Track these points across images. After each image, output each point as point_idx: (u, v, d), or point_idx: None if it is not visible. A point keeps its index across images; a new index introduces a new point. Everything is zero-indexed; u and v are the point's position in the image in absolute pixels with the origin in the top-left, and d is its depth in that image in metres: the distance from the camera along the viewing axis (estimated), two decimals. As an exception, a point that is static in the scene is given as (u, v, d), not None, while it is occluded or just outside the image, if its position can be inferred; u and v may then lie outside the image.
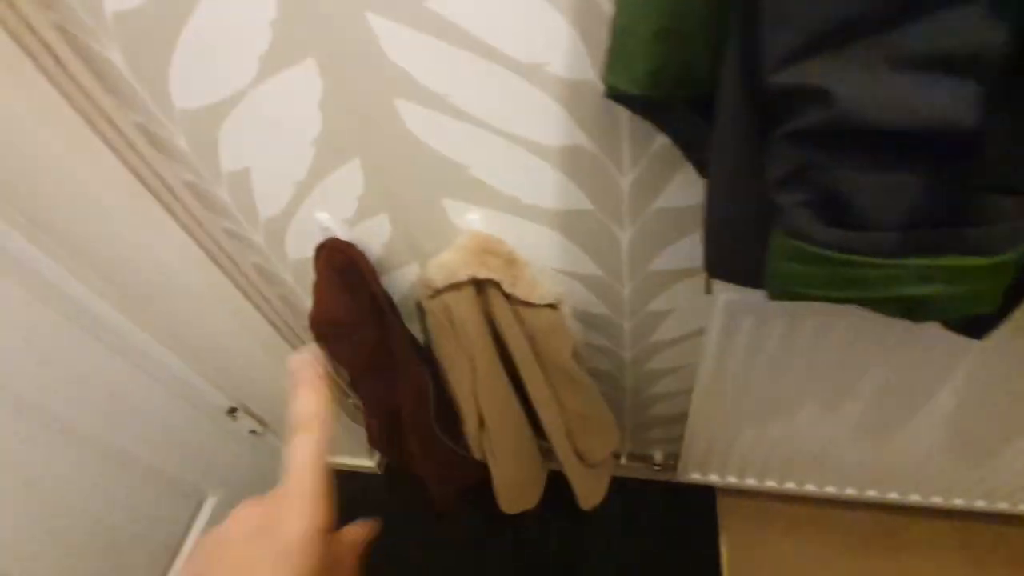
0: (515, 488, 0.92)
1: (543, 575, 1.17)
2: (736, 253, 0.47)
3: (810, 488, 1.00)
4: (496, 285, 0.70)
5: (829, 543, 1.13)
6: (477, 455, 0.92)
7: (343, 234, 0.75)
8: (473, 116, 0.56)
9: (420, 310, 0.87)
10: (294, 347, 1.01)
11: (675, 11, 0.38)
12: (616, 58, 0.44)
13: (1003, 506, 0.93)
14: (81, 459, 0.85)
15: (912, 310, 0.35)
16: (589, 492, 0.94)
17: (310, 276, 0.85)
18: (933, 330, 0.61)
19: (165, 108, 0.62)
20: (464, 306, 0.71)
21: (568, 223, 0.66)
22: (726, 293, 0.62)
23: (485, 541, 1.22)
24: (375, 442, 0.99)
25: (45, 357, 0.78)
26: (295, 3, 0.50)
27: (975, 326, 0.45)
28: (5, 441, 0.74)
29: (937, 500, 0.95)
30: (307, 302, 0.92)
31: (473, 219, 0.68)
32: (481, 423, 0.86)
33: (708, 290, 0.65)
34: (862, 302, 0.36)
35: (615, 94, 0.46)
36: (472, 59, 0.51)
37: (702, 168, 0.52)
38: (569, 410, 0.84)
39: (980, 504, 0.94)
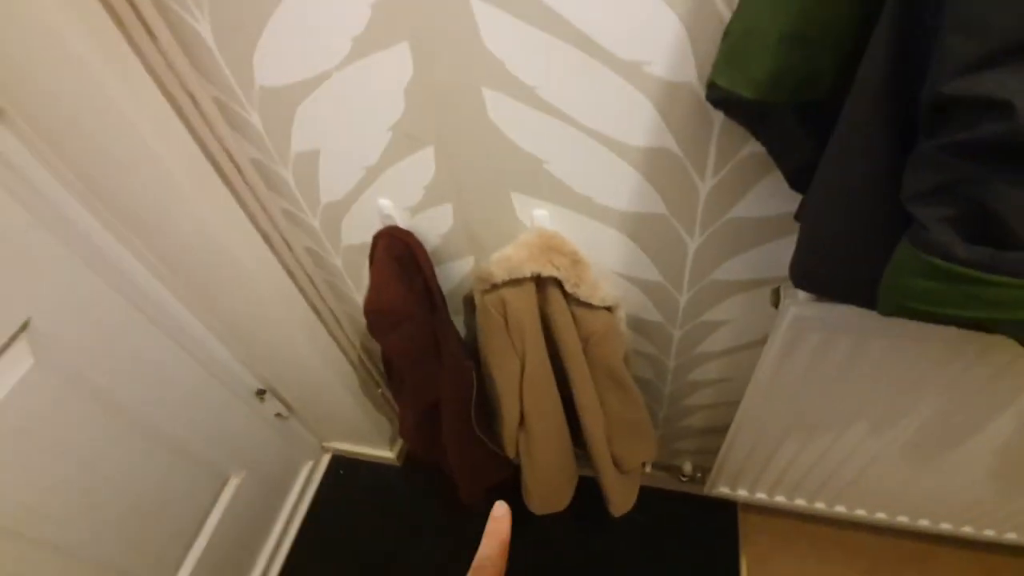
0: (548, 489, 0.91)
1: (561, 579, 1.17)
2: (834, 266, 0.46)
3: (840, 510, 0.99)
4: (557, 284, 0.70)
5: (852, 566, 1.12)
6: (511, 453, 0.91)
7: (403, 222, 0.75)
8: (560, 111, 0.56)
9: (469, 304, 0.87)
10: (332, 333, 1.00)
11: (806, 16, 0.38)
12: (732, 60, 0.43)
13: (1038, 541, 0.92)
14: (116, 429, 0.84)
15: (1038, 334, 0.35)
16: (621, 499, 0.93)
17: (360, 263, 0.85)
18: (1002, 360, 0.61)
19: (245, 85, 0.62)
20: (522, 302, 0.71)
21: (638, 226, 0.66)
22: (796, 307, 0.61)
23: (504, 541, 1.21)
24: (407, 432, 0.98)
25: (86, 321, 0.78)
26: (399, -15, 0.50)
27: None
28: (43, 408, 0.73)
29: (968, 530, 0.95)
30: (352, 290, 0.92)
31: (541, 215, 0.68)
32: (521, 422, 0.85)
33: (775, 303, 0.65)
34: (987, 322, 0.35)
35: (723, 97, 0.46)
36: (571, 52, 0.51)
37: (794, 178, 0.52)
38: (612, 414, 0.83)
39: (1010, 536, 0.93)
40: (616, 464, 0.89)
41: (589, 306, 0.72)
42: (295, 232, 0.82)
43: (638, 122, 0.55)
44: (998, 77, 0.26)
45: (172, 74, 0.60)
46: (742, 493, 1.04)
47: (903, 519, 0.97)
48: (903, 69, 0.34)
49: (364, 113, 0.62)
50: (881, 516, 0.98)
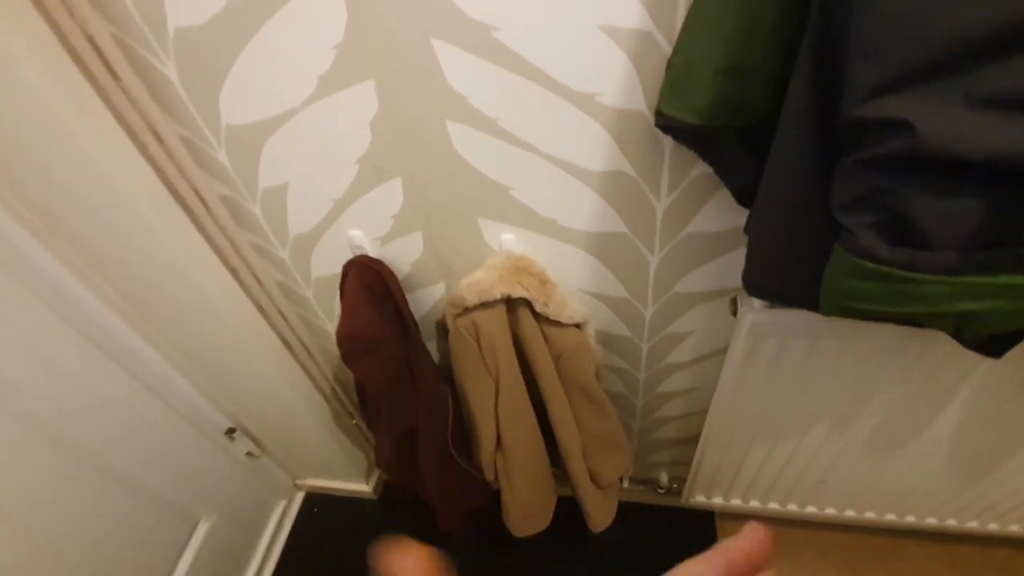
0: (528, 510, 0.92)
1: (546, 602, 1.16)
2: (781, 273, 0.50)
3: (811, 510, 1.03)
4: (527, 304, 0.72)
5: (825, 565, 1.15)
6: (489, 476, 0.91)
7: (374, 251, 0.76)
8: (521, 140, 0.59)
9: (442, 329, 0.88)
10: (304, 366, 1.00)
11: (739, 50, 0.42)
12: (675, 90, 0.47)
13: (993, 527, 0.97)
14: (77, 474, 0.81)
15: (961, 325, 0.39)
16: (600, 514, 0.94)
17: (331, 295, 0.86)
18: (942, 352, 0.66)
19: (212, 124, 0.63)
20: (493, 324, 0.73)
21: (601, 245, 0.69)
22: (752, 314, 0.65)
23: (485, 565, 1.20)
24: (384, 461, 0.98)
25: (44, 363, 0.75)
26: (362, 28, 0.53)
27: (997, 345, 0.48)
28: None
29: (931, 521, 0.99)
30: (324, 321, 0.92)
31: (509, 239, 0.70)
32: (498, 444, 0.86)
33: (734, 311, 0.68)
34: (916, 317, 0.39)
35: (669, 123, 0.50)
36: (528, 86, 0.54)
37: (741, 195, 0.56)
38: (587, 430, 0.85)
39: (972, 525, 0.98)
40: (593, 480, 0.91)
41: (559, 324, 0.74)
42: (265, 266, 0.82)
43: (595, 148, 0.58)
44: (899, 100, 0.30)
45: (137, 114, 0.60)
46: (717, 501, 1.06)
47: (870, 515, 1.01)
48: (824, 94, 0.38)
49: (331, 148, 0.64)
50: (850, 514, 1.02)
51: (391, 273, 0.76)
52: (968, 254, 0.34)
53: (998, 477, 0.83)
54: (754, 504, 1.05)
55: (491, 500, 0.99)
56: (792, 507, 1.03)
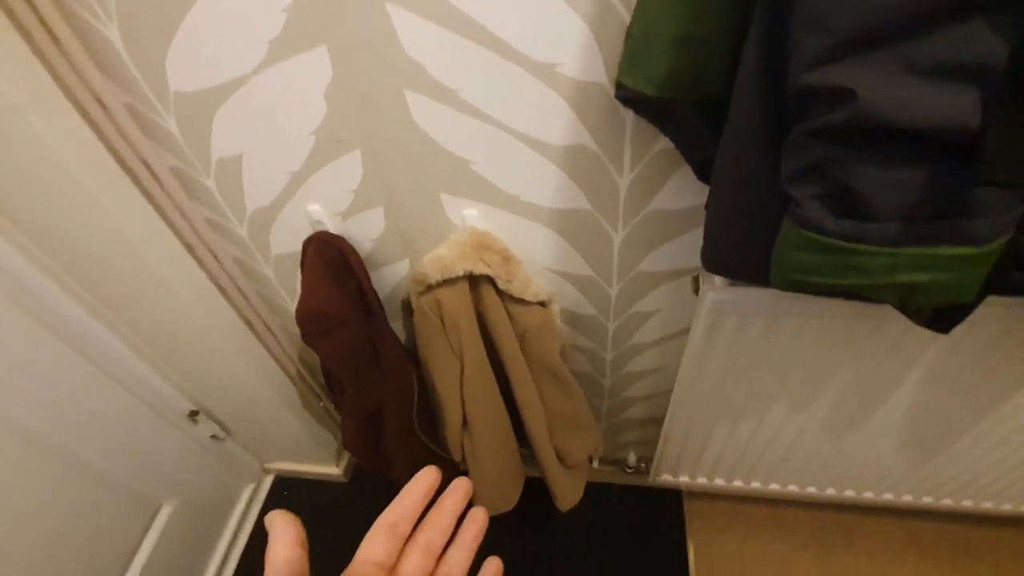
0: (496, 489, 0.92)
1: (515, 581, 1.17)
2: (736, 248, 0.50)
3: (774, 487, 1.05)
4: (490, 282, 0.71)
5: (789, 542, 1.18)
6: (455, 456, 0.91)
7: (334, 227, 0.74)
8: (482, 112, 0.58)
9: (407, 307, 0.87)
10: (267, 347, 0.98)
11: (694, 18, 0.41)
12: (633, 61, 0.46)
13: (947, 502, 1.00)
14: (30, 460, 0.79)
15: (904, 297, 0.39)
16: (567, 493, 0.95)
17: (292, 273, 0.84)
18: (897, 330, 0.67)
19: (159, 90, 0.60)
20: (456, 302, 0.72)
21: (564, 222, 0.68)
22: (713, 292, 0.65)
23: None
24: (349, 442, 0.97)
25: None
26: (313, -11, 0.50)
27: (943, 320, 0.49)
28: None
29: (888, 497, 1.02)
30: (286, 300, 0.90)
31: (471, 215, 0.69)
32: (464, 423, 0.86)
33: (696, 290, 0.69)
34: (861, 289, 0.39)
35: (628, 95, 0.49)
36: (487, 56, 0.53)
37: (701, 170, 0.56)
38: (552, 410, 0.85)
39: (927, 500, 1.01)
40: (560, 459, 0.91)
41: (523, 302, 0.73)
42: (221, 243, 0.80)
43: (556, 121, 0.57)
44: (842, 69, 0.30)
45: (79, 80, 0.57)
46: (684, 479, 1.08)
47: (831, 491, 1.03)
48: (772, 65, 0.37)
49: (286, 117, 0.62)
50: (812, 491, 1.04)
51: (352, 249, 0.75)
52: (910, 225, 0.34)
53: (951, 454, 0.86)
54: (719, 482, 1.06)
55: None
56: (756, 484, 1.05)
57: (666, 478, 1.08)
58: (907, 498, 1.02)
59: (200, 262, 0.80)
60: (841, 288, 0.39)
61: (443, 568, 0.30)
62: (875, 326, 0.66)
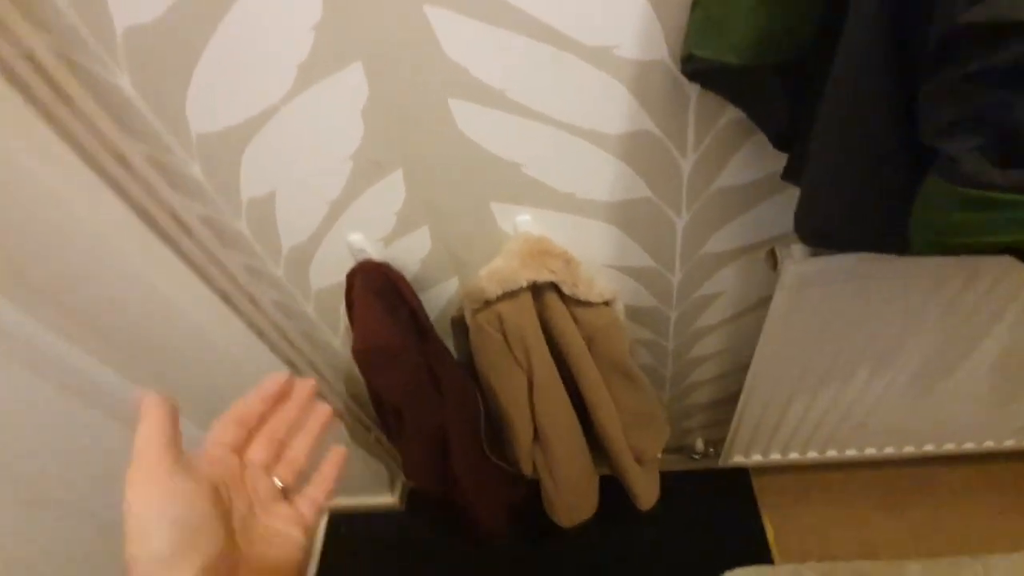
0: (574, 499, 0.88)
1: (595, 585, 1.14)
2: (845, 217, 0.46)
3: (850, 453, 1.02)
4: (554, 288, 0.67)
5: (865, 503, 1.16)
6: (527, 471, 0.88)
7: (378, 254, 0.70)
8: (533, 110, 0.53)
9: (457, 325, 0.83)
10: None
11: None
12: (709, 28, 0.42)
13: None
14: (76, 530, 0.75)
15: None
16: (647, 492, 0.91)
17: (334, 307, 0.79)
18: (988, 280, 0.63)
19: (181, 135, 0.56)
20: (520, 315, 0.68)
21: (624, 215, 0.64)
22: (795, 265, 0.61)
23: (534, 559, 1.17)
24: (413, 470, 0.93)
25: (41, 430, 0.68)
26: (343, 2, 0.46)
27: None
28: None
29: (969, 446, 0.99)
30: (329, 335, 0.86)
31: (524, 221, 0.65)
32: (535, 437, 0.82)
33: (773, 265, 0.65)
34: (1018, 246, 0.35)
35: (701, 67, 0.45)
36: (537, 48, 0.48)
37: (779, 139, 0.51)
38: (625, 408, 0.81)
39: (1008, 443, 0.98)
40: (636, 457, 0.87)
41: (588, 304, 0.69)
42: (259, 286, 0.75)
43: (614, 108, 0.53)
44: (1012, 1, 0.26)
45: (96, 139, 0.53)
46: (756, 458, 1.05)
47: (909, 449, 1.00)
48: (896, 11, 0.33)
49: (321, 145, 0.57)
50: (889, 451, 1.01)
51: (399, 275, 0.71)
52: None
53: (1040, 394, 0.82)
54: (793, 456, 1.03)
55: (529, 494, 0.96)
56: (831, 453, 1.02)
57: (738, 459, 1.05)
58: (988, 443, 0.98)
59: (238, 311, 0.75)
60: (997, 246, 0.36)
61: (287, 453, 0.34)
62: (967, 279, 0.62)
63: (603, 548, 1.18)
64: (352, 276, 0.70)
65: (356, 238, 0.68)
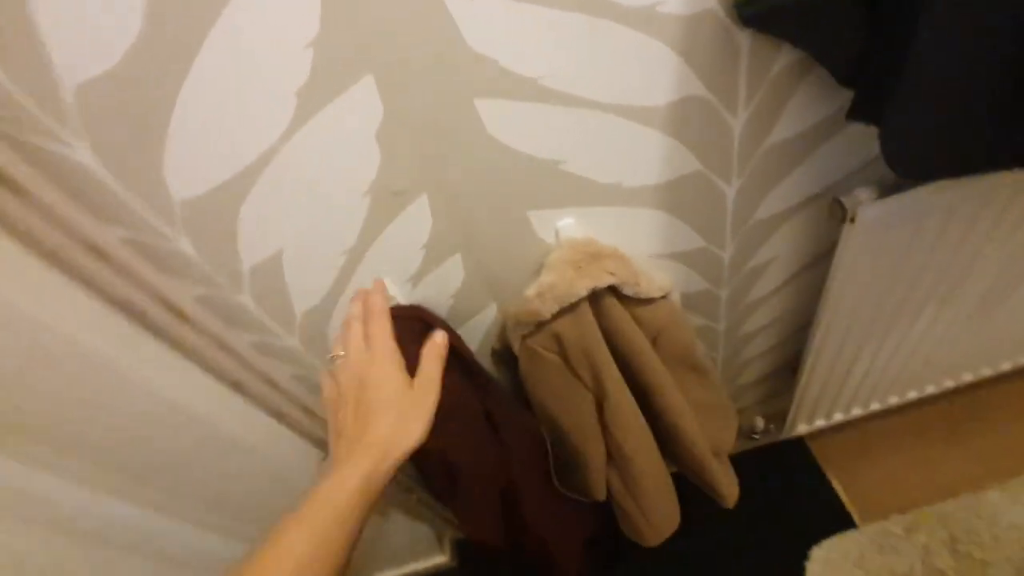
0: (662, 514, 0.81)
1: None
2: (956, 140, 0.41)
3: (911, 396, 0.98)
4: (613, 292, 0.60)
5: (927, 442, 1.13)
6: (600, 497, 0.79)
7: (406, 298, 0.62)
8: (570, 95, 0.47)
9: (501, 357, 0.75)
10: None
11: None
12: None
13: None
14: None
15: None
16: (731, 487, 0.84)
17: (362, 365, 0.70)
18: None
19: (161, 206, 0.46)
20: (581, 329, 0.60)
21: (672, 196, 0.58)
22: (866, 210, 0.56)
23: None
24: (479, 528, 0.83)
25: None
26: (345, 7, 0.38)
27: None
28: None
29: (1022, 360, 0.97)
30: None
31: (567, 225, 0.58)
32: (609, 456, 0.74)
33: (840, 215, 0.60)
34: None
35: (764, 9, 0.39)
36: (570, 20, 0.42)
37: (847, 70, 0.46)
38: (696, 404, 0.74)
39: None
40: (715, 454, 0.81)
41: (648, 301, 0.63)
42: (273, 364, 0.65)
43: (660, 76, 0.47)
44: None
45: (58, 229, 0.43)
46: (819, 423, 1.00)
47: (968, 376, 0.98)
48: None
49: (330, 183, 0.49)
50: (948, 383, 0.98)
51: (435, 316, 0.62)
52: None
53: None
54: (856, 412, 0.99)
55: (604, 523, 0.88)
56: (893, 400, 0.98)
57: (801, 428, 1.00)
58: (1040, 354, 0.97)
59: (252, 396, 0.65)
60: None
61: None
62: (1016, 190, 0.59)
63: (684, 554, 1.10)
64: (382, 328, 0.61)
65: (380, 284, 0.59)
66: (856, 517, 1.07)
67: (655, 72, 0.47)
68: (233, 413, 0.64)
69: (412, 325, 0.61)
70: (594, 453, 0.72)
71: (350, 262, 0.56)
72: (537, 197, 0.55)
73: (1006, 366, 0.97)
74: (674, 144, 0.53)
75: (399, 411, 0.47)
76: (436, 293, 0.63)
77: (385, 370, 0.48)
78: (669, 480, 0.82)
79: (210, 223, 0.49)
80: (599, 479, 0.76)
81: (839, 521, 1.07)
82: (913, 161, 0.44)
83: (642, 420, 0.71)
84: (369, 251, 0.56)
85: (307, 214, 0.50)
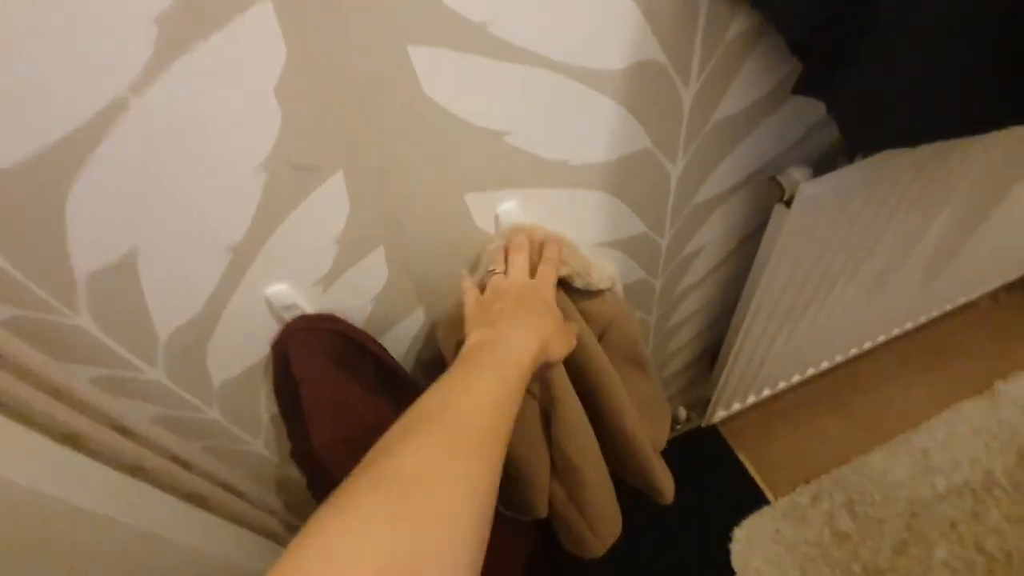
0: (608, 521, 0.76)
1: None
2: (921, 105, 0.40)
3: (810, 372, 1.04)
4: (561, 285, 0.53)
5: (817, 413, 1.22)
6: (543, 513, 0.73)
7: (313, 305, 0.50)
8: (522, 48, 0.39)
9: (432, 368, 0.65)
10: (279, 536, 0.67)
11: None
12: None
13: (934, 313, 1.09)
14: None
15: None
16: (668, 482, 0.82)
17: (249, 398, 0.56)
18: (949, 167, 0.65)
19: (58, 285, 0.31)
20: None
21: (619, 176, 0.53)
22: (807, 187, 0.56)
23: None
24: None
25: None
26: None
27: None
28: None
29: (896, 331, 1.08)
30: (248, 440, 0.61)
31: (507, 210, 0.50)
32: (552, 467, 0.68)
33: (780, 196, 0.59)
34: None
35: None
36: (529, -48, 0.34)
37: (802, 42, 0.44)
38: (638, 401, 0.70)
39: (923, 319, 1.08)
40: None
41: (596, 293, 0.57)
42: (132, 404, 0.49)
43: (618, 33, 0.41)
44: None
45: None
46: (736, 407, 1.02)
47: (853, 351, 1.06)
48: None
49: (209, 154, 0.36)
50: (838, 358, 1.06)
51: (350, 325, 0.51)
52: None
53: (959, 258, 0.90)
54: (766, 393, 1.03)
55: (539, 542, 0.82)
56: (796, 378, 1.03)
57: (720, 414, 1.02)
58: (908, 325, 1.08)
59: (97, 455, 0.49)
60: None
61: None
62: (933, 173, 0.63)
63: (611, 552, 1.07)
64: (284, 346, 0.49)
65: (279, 290, 0.47)
66: (768, 493, 1.12)
67: (613, 28, 0.41)
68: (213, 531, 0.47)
69: (324, 339, 0.49)
70: (537, 466, 0.65)
71: (237, 262, 0.43)
72: (476, 176, 0.46)
73: (882, 338, 1.07)
74: (626, 116, 0.48)
75: (558, 321, 0.46)
76: (353, 297, 0.51)
77: (549, 293, 0.48)
78: (611, 485, 0.77)
79: (25, 211, 0.34)
80: (542, 494, 0.69)
81: (754, 499, 1.12)
82: (868, 129, 0.43)
83: (589, 428, 0.65)
84: (264, 247, 0.43)
85: (173, 198, 0.37)
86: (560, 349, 0.45)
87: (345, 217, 0.44)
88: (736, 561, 1.04)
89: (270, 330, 0.49)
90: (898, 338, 1.15)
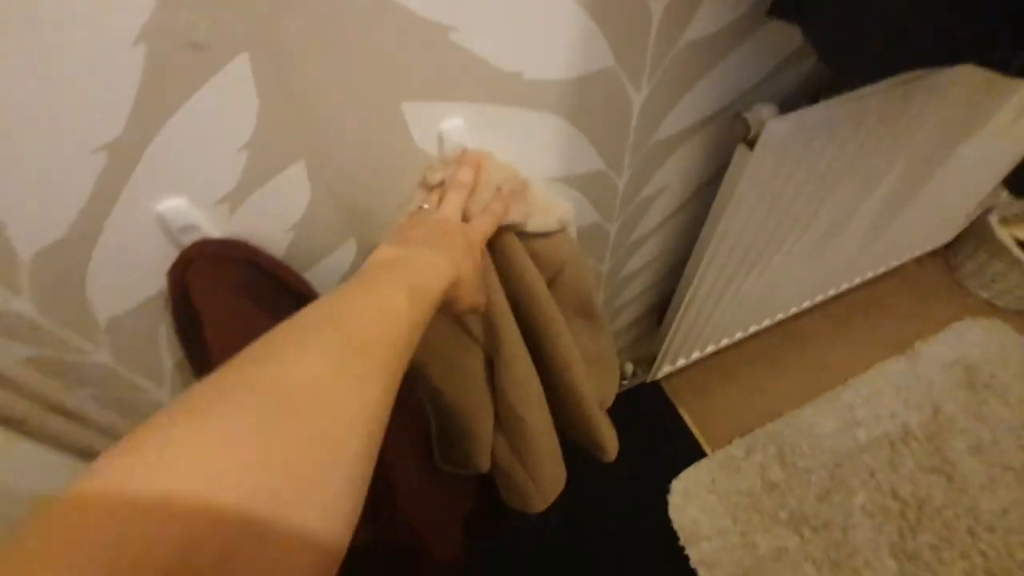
0: (551, 475, 0.73)
1: (557, 554, 1.03)
2: (897, 31, 0.36)
3: (752, 329, 1.06)
4: (512, 225, 0.48)
5: (755, 370, 1.25)
6: (485, 468, 0.70)
7: (220, 228, 0.42)
8: (473, -84, 0.32)
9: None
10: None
11: None
12: None
13: (869, 275, 1.12)
14: None
15: None
16: (612, 440, 0.80)
17: (146, 337, 0.49)
18: (901, 118, 0.63)
19: None
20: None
21: (579, 99, 0.48)
22: (775, 123, 0.52)
23: (517, 557, 1.01)
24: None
25: None
26: None
27: None
28: None
29: (832, 291, 1.10)
30: (148, 386, 0.54)
31: (453, 128, 0.44)
32: (496, 419, 0.64)
33: (744, 134, 0.55)
34: None
35: None
36: None
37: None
38: (587, 355, 0.67)
39: (857, 280, 1.11)
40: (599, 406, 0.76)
41: (547, 235, 0.52)
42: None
43: (588, -89, 0.35)
44: None
45: None
46: (681, 362, 1.02)
47: (794, 309, 1.08)
48: None
49: (70, 21, 0.28)
50: (780, 316, 1.07)
51: (269, 257, 0.44)
52: None
53: (900, 218, 0.92)
54: (710, 349, 1.03)
55: (479, 497, 0.79)
56: (739, 334, 1.04)
57: (666, 369, 1.01)
58: (844, 286, 1.11)
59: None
60: None
61: None
62: (895, 119, 0.62)
63: (553, 504, 1.07)
64: (180, 272, 0.41)
65: (173, 206, 0.39)
66: (706, 446, 1.14)
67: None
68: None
69: (232, 270, 0.42)
70: (481, 419, 0.62)
71: (115, 167, 0.35)
72: (417, 81, 0.40)
73: (820, 298, 1.09)
74: (588, 24, 0.42)
75: (477, 269, 0.42)
76: (268, 222, 0.44)
77: (477, 240, 0.43)
78: (556, 439, 0.75)
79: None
80: (485, 448, 0.66)
81: (692, 452, 1.14)
82: (849, 55, 0.39)
83: (536, 375, 0.62)
84: (149, 149, 0.35)
85: (22, 75, 0.29)
86: (469, 299, 0.40)
87: (254, 117, 0.36)
88: (673, 511, 1.06)
89: (166, 256, 0.41)
90: (834, 298, 1.18)
